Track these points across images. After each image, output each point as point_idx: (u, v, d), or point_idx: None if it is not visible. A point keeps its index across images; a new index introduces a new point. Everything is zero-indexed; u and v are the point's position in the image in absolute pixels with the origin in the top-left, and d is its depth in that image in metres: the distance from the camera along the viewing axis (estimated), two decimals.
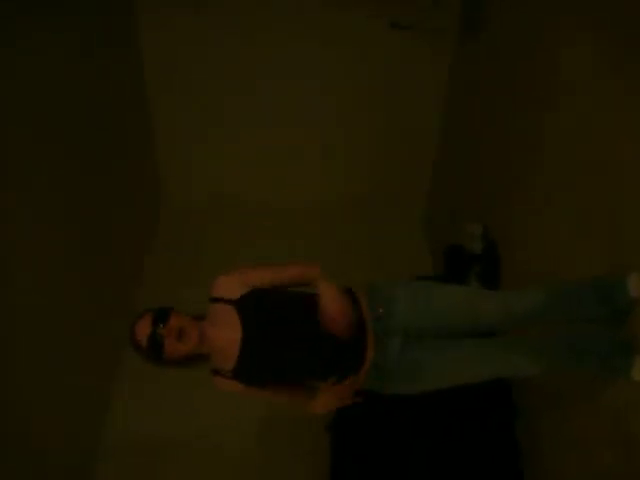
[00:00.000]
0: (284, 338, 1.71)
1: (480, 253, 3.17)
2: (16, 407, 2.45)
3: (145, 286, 3.95)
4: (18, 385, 2.46)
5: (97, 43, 3.26)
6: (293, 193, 4.52)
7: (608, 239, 2.01)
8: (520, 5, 2.82)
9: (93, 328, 3.19)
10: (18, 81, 2.47)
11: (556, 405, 2.40)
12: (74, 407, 3.00)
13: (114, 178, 3.56)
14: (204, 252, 4.13)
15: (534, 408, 2.57)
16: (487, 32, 3.27)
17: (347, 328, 1.68)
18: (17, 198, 2.46)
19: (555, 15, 2.44)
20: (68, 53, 2.93)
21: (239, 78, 4.00)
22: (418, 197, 4.62)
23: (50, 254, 2.75)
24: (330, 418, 2.75)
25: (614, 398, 1.96)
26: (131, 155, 3.92)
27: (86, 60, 3.13)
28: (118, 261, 3.66)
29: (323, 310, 1.68)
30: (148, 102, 4.09)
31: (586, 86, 2.18)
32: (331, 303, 1.67)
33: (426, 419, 2.58)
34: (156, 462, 3.12)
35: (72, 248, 2.97)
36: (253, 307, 1.69)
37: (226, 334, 1.68)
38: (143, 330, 1.65)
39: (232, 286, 1.70)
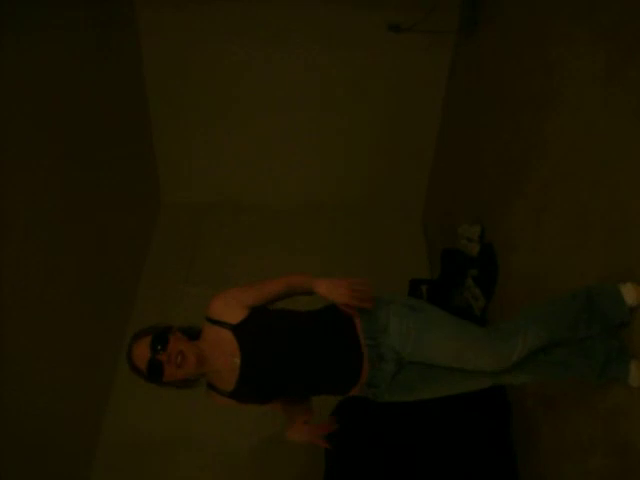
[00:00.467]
0: (282, 361, 1.70)
1: (477, 256, 3.18)
2: (13, 406, 2.45)
3: (143, 286, 3.96)
4: (15, 384, 2.47)
5: (96, 43, 3.26)
6: (291, 195, 4.53)
7: (604, 241, 2.02)
8: (519, 6, 2.83)
9: (91, 327, 3.19)
10: (12, 80, 2.46)
11: (552, 407, 2.41)
12: (72, 406, 3.00)
13: (112, 179, 3.56)
14: (202, 252, 4.14)
15: (530, 410, 2.58)
16: (486, 34, 3.29)
17: (359, 299, 1.68)
18: (16, 198, 2.46)
19: (554, 15, 2.44)
20: (65, 53, 2.93)
21: (238, 79, 4.00)
22: (417, 199, 4.63)
23: (49, 254, 2.76)
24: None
25: (610, 401, 1.97)
26: (129, 156, 3.92)
27: (84, 59, 3.14)
28: (116, 261, 3.65)
29: (338, 305, 1.71)
30: (147, 102, 4.09)
31: (585, 88, 2.19)
32: (338, 296, 1.67)
33: (420, 418, 2.59)
34: (154, 461, 3.13)
35: (71, 247, 2.98)
36: (251, 332, 1.68)
37: (225, 360, 1.67)
38: (141, 354, 1.61)
39: (229, 309, 1.68)
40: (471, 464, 2.52)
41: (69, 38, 2.95)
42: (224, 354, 1.67)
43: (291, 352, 1.71)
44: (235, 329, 1.67)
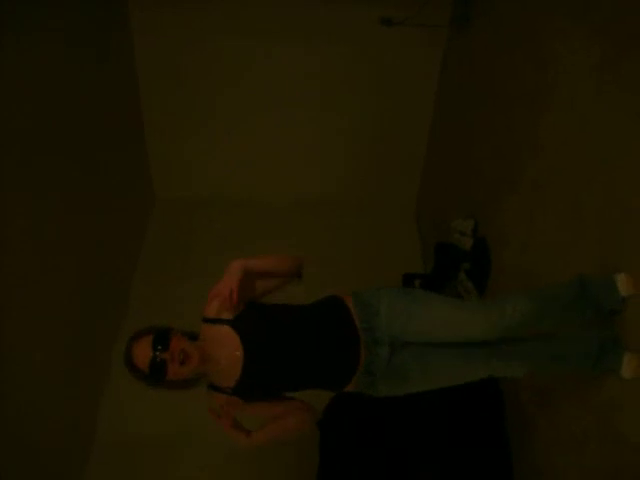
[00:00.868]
0: (284, 351, 1.72)
1: (470, 250, 3.19)
2: (9, 405, 2.44)
3: (139, 286, 3.94)
4: (10, 383, 2.45)
5: (88, 42, 3.23)
6: (285, 191, 4.51)
7: (598, 237, 2.04)
8: (511, 0, 2.82)
9: (85, 322, 3.18)
10: (8, 80, 2.44)
11: (546, 401, 2.43)
12: (69, 406, 2.99)
13: (106, 176, 3.54)
14: (197, 249, 4.13)
15: (524, 403, 2.60)
16: (478, 28, 3.29)
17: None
18: (13, 197, 2.45)
19: (547, 9, 2.44)
20: (64, 52, 2.92)
21: (231, 76, 3.98)
22: (410, 193, 4.64)
23: (48, 254, 2.75)
24: (320, 413, 2.75)
25: (604, 394, 1.99)
26: (123, 153, 3.90)
27: (81, 57, 3.12)
28: (111, 259, 3.64)
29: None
30: (140, 100, 4.06)
31: (580, 82, 2.18)
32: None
33: (413, 413, 2.59)
34: (152, 461, 3.11)
35: (64, 243, 2.95)
36: (250, 324, 1.70)
37: (228, 353, 1.68)
38: (143, 354, 1.61)
39: (225, 306, 1.68)
40: (465, 458, 2.53)
41: (68, 38, 2.95)
42: (226, 348, 1.69)
43: (292, 339, 1.73)
44: (234, 323, 1.69)
